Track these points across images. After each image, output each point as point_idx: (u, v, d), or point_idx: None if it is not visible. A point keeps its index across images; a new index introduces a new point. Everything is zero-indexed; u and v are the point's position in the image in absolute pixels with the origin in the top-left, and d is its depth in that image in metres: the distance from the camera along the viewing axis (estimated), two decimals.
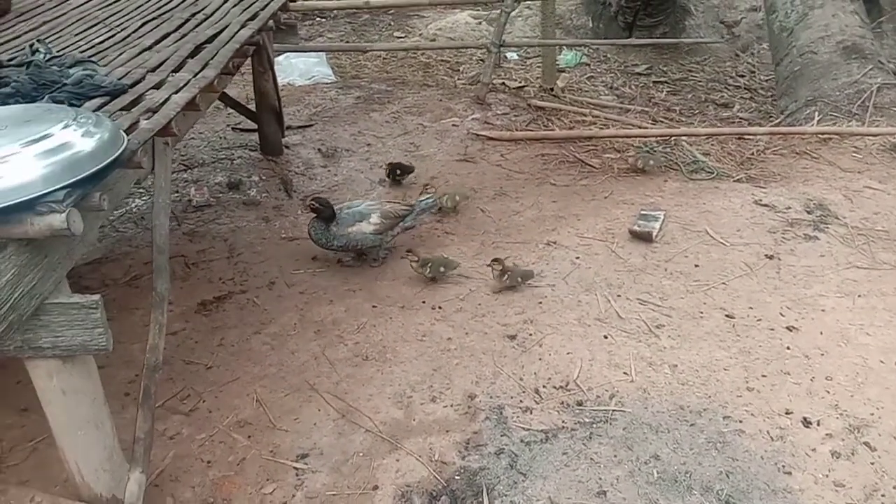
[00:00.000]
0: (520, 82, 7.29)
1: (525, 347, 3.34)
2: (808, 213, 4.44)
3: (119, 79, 2.93)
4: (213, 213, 4.67)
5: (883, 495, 2.56)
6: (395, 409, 3.00)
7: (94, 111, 2.56)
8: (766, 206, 4.58)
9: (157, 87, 2.91)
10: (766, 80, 7.80)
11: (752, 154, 5.45)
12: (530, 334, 3.43)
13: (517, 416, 2.93)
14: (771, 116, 6.74)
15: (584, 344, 3.35)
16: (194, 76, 3.01)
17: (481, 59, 7.41)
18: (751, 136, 5.74)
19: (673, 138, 5.65)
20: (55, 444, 2.33)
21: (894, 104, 5.85)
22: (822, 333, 3.38)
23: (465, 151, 5.54)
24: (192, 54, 3.35)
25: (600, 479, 2.64)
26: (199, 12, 4.02)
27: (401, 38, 9.23)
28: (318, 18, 9.79)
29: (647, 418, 2.90)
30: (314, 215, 3.91)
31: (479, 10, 9.28)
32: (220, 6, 4.15)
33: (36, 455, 2.82)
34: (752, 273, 3.88)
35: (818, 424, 2.86)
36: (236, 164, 5.36)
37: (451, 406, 3.00)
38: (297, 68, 7.50)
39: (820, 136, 5.56)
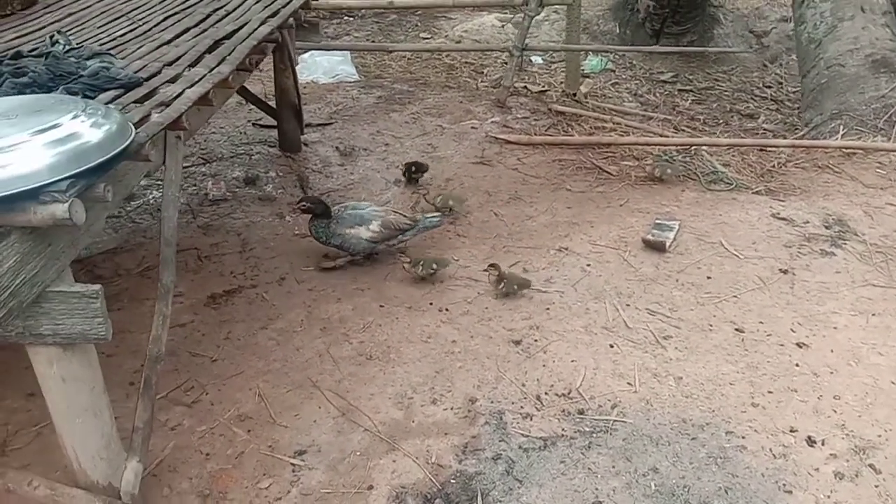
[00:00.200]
0: (542, 86, 7.26)
1: (529, 353, 3.32)
2: (827, 228, 4.37)
3: (135, 72, 2.97)
4: (228, 208, 4.71)
5: None
6: (395, 409, 3.00)
7: (106, 103, 2.60)
8: (783, 219, 4.52)
9: (173, 81, 2.94)
10: (794, 92, 7.69)
11: (773, 166, 5.38)
12: (535, 340, 3.41)
13: (517, 422, 2.92)
14: (797, 129, 6.64)
15: (589, 352, 3.33)
16: (210, 71, 3.04)
17: (505, 63, 7.40)
18: (773, 148, 5.67)
19: (693, 148, 5.60)
20: None
21: None
22: (832, 351, 3.33)
23: (482, 154, 5.53)
24: (210, 50, 3.38)
25: (597, 489, 2.62)
26: (220, 8, 4.07)
27: (426, 39, 9.24)
28: (345, 17, 9.84)
29: (648, 430, 2.88)
30: (309, 215, 3.93)
31: (506, 12, 9.27)
32: (242, 3, 4.20)
33: (40, 440, 2.86)
34: (764, 287, 3.83)
35: (823, 444, 2.81)
36: (254, 159, 5.40)
37: (452, 409, 3.00)
38: (321, 66, 7.53)
39: (844, 150, 5.47)
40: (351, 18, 9.83)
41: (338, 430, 2.90)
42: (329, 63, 7.55)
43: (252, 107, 5.86)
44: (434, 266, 3.81)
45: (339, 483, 2.66)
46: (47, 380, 2.16)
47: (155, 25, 3.76)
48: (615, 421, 2.92)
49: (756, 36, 8.90)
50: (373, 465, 2.73)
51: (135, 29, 3.68)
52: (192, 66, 3.14)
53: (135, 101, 2.67)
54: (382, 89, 7.02)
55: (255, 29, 3.70)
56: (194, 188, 4.95)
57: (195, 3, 4.17)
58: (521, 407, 3.01)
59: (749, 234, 4.36)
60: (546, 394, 3.08)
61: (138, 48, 3.36)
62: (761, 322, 3.55)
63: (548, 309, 3.65)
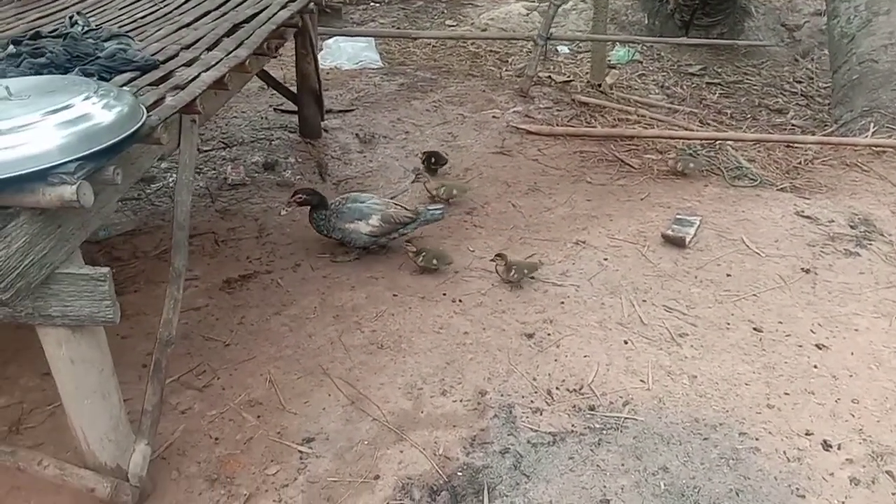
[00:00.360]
0: (567, 76, 7.18)
1: (542, 347, 3.29)
2: (852, 227, 4.28)
3: (153, 54, 2.97)
4: (246, 192, 4.71)
5: None
6: (404, 399, 2.99)
7: (122, 85, 2.60)
8: (807, 217, 4.43)
9: (189, 64, 2.94)
10: (825, 88, 7.53)
11: (800, 163, 5.27)
12: (548, 334, 3.38)
13: (526, 417, 2.89)
14: (826, 125, 6.50)
15: (602, 348, 3.28)
16: (226, 55, 3.03)
17: (530, 52, 7.32)
18: (800, 145, 5.55)
19: (718, 142, 5.50)
20: None
21: None
22: (852, 354, 3.25)
23: (502, 144, 5.48)
24: (229, 33, 3.38)
25: (605, 486, 2.59)
26: None
27: (452, 26, 9.18)
28: (372, 3, 9.80)
29: (660, 428, 2.83)
30: (308, 207, 3.91)
31: (533, 1, 9.17)
32: None
33: (53, 419, 2.89)
34: (785, 286, 3.75)
35: (839, 448, 2.75)
36: (274, 144, 5.40)
37: (461, 401, 2.97)
38: (345, 52, 7.51)
39: (873, 148, 5.35)
40: (377, 4, 9.79)
41: (346, 419, 2.89)
42: (353, 49, 7.53)
43: (274, 92, 5.86)
44: (435, 261, 3.79)
45: (346, 472, 2.65)
46: (56, 361, 2.17)
47: (175, 8, 3.76)
48: (626, 418, 2.88)
49: (788, 29, 8.72)
50: (380, 455, 2.72)
51: (155, 11, 3.68)
52: (209, 49, 3.13)
53: (150, 84, 2.67)
54: (405, 76, 6.98)
55: (275, 13, 3.68)
56: (214, 172, 4.97)
57: None
58: (532, 401, 2.98)
59: (772, 231, 4.27)
60: (557, 389, 3.04)
61: (157, 31, 3.36)
62: (780, 322, 3.48)
63: (562, 303, 3.61)
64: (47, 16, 3.58)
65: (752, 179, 4.99)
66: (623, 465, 2.67)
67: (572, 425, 2.85)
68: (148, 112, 2.32)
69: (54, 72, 2.61)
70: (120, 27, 3.37)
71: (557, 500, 2.54)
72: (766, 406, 2.96)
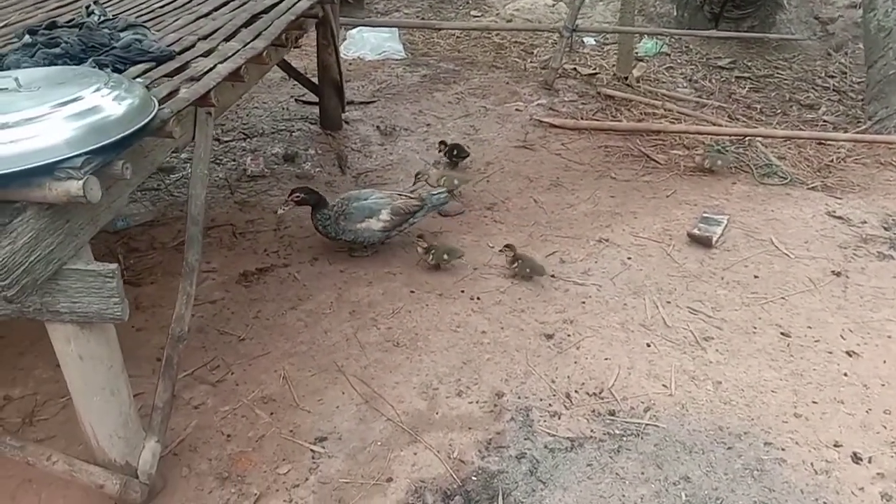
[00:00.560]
0: (592, 69, 7.05)
1: (561, 348, 3.21)
2: (886, 229, 4.13)
3: (169, 45, 2.93)
4: (266, 184, 4.67)
5: None
6: (419, 399, 2.93)
7: (136, 76, 2.56)
8: (839, 218, 4.29)
9: (206, 55, 2.89)
10: (858, 83, 7.31)
11: (832, 161, 5.12)
12: (568, 335, 3.29)
13: (544, 420, 2.82)
14: (859, 121, 6.31)
15: (624, 350, 3.20)
16: (244, 46, 2.98)
17: (555, 43, 7.20)
18: (832, 142, 5.39)
19: (747, 138, 5.36)
20: None
21: None
22: (885, 362, 3.13)
23: (525, 138, 5.39)
24: (247, 24, 3.32)
25: (624, 496, 2.51)
26: None
27: (477, 17, 9.06)
28: None
29: (682, 436, 2.75)
30: (306, 207, 3.82)
31: None
32: None
33: (66, 411, 2.86)
34: (815, 289, 3.64)
35: (869, 462, 2.65)
36: (295, 136, 5.36)
37: (477, 402, 2.91)
38: (368, 42, 7.45)
39: None
40: None
41: (360, 418, 2.83)
42: (376, 40, 7.46)
43: (296, 82, 5.81)
44: (446, 256, 3.72)
45: (358, 473, 2.60)
46: (65, 357, 2.14)
47: None
48: (647, 425, 2.79)
49: (821, 23, 8.49)
50: (393, 457, 2.66)
51: (173, 1, 3.63)
52: (227, 40, 3.08)
53: (165, 75, 2.62)
54: (428, 68, 6.90)
55: (295, 3, 3.62)
56: (233, 163, 4.93)
57: None
58: (550, 404, 2.90)
59: (802, 232, 4.15)
60: (576, 392, 2.96)
61: (175, 21, 3.31)
62: (809, 327, 3.37)
63: (583, 302, 3.53)
64: (66, 5, 3.55)
65: (781, 177, 4.85)
66: (643, 473, 2.59)
67: (591, 430, 2.77)
68: (161, 104, 2.28)
69: (69, 62, 2.57)
70: (137, 17, 3.33)
71: None
72: (794, 415, 2.86)
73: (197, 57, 2.82)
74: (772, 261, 3.88)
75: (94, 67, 2.48)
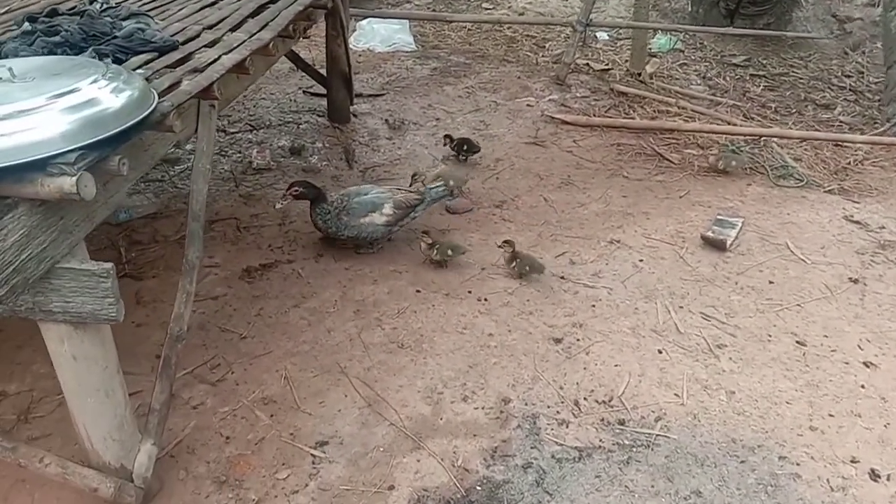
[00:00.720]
0: (605, 64, 6.94)
1: (570, 353, 3.13)
2: None
3: (173, 34, 2.85)
4: (271, 177, 4.59)
5: None
6: (423, 404, 2.85)
7: (138, 67, 2.48)
8: (856, 223, 4.19)
9: (210, 45, 2.81)
10: (876, 83, 7.18)
11: (849, 164, 5.01)
12: (578, 339, 3.21)
13: (551, 429, 2.74)
14: (876, 123, 6.19)
15: (635, 357, 3.11)
16: (249, 37, 2.89)
17: (568, 37, 7.08)
18: (849, 144, 5.28)
19: (763, 139, 5.25)
20: None
21: None
22: None
23: (536, 134, 5.29)
24: (254, 14, 3.24)
25: None
26: None
27: (489, 9, 8.94)
28: None
29: (694, 448, 2.66)
30: (305, 201, 3.73)
31: None
32: None
33: (62, 409, 2.76)
34: (831, 297, 3.54)
35: (888, 479, 2.56)
36: (302, 128, 5.27)
37: (483, 408, 2.83)
38: (378, 34, 7.34)
39: None
40: None
41: (362, 422, 2.76)
42: (386, 31, 7.36)
43: (304, 74, 5.72)
44: (449, 252, 3.65)
45: (360, 480, 2.53)
46: (58, 357, 2.07)
47: None
48: (658, 435, 2.71)
49: (839, 21, 8.34)
50: (395, 464, 2.59)
51: None
52: (232, 30, 3.00)
53: (167, 66, 2.55)
54: (438, 60, 6.80)
55: None
56: (239, 155, 4.86)
57: None
58: (557, 412, 2.82)
59: (818, 236, 4.05)
60: (585, 399, 2.88)
61: (180, 9, 3.23)
62: (826, 336, 3.28)
63: (593, 306, 3.44)
64: None
65: (797, 179, 4.75)
66: (653, 486, 2.51)
67: (600, 440, 2.69)
68: (161, 97, 2.20)
69: (68, 51, 2.49)
70: (141, 5, 3.25)
71: None
72: (809, 428, 2.77)
73: (201, 48, 2.74)
74: (787, 266, 3.78)
75: (94, 57, 2.41)
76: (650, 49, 7.30)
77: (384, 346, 3.16)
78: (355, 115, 5.45)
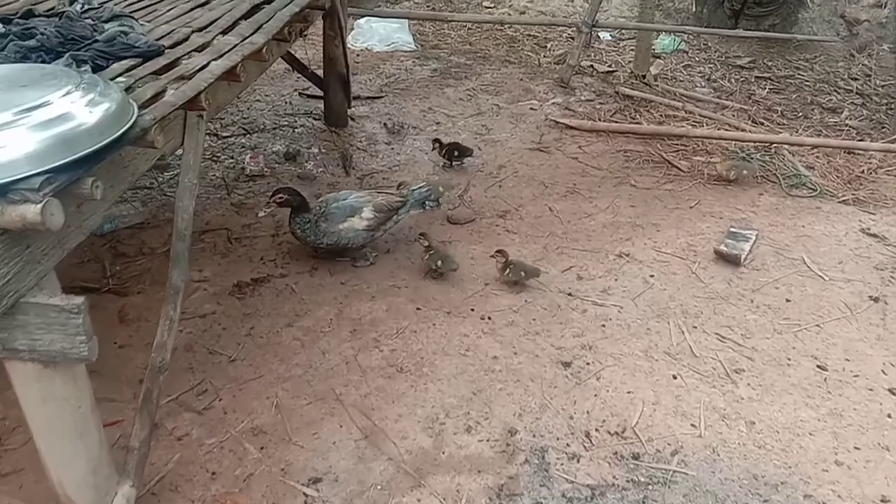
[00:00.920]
0: (609, 66, 6.76)
1: (580, 379, 2.95)
2: None
3: (160, 38, 2.66)
4: (265, 185, 4.40)
5: None
6: (424, 435, 2.67)
7: (120, 74, 2.29)
8: (874, 236, 4.03)
9: (200, 50, 2.62)
10: (883, 86, 7.02)
11: (863, 172, 4.84)
12: (587, 363, 3.04)
13: (561, 464, 2.56)
14: (884, 127, 6.02)
15: (648, 383, 2.94)
16: (241, 41, 2.70)
17: (571, 38, 6.91)
18: (862, 151, 5.11)
19: (774, 145, 5.08)
20: None
21: None
22: None
23: (539, 139, 5.11)
24: (247, 15, 3.05)
25: None
26: None
27: (489, 8, 8.75)
28: None
29: (713, 486, 2.49)
30: (288, 209, 3.55)
31: None
32: None
33: None
34: (852, 316, 3.37)
35: None
36: (297, 132, 5.08)
37: (488, 441, 2.65)
38: (377, 33, 7.16)
39: None
40: None
41: (359, 457, 2.58)
42: (385, 30, 7.17)
43: (300, 75, 5.53)
44: (440, 262, 3.50)
45: None
46: (26, 398, 1.88)
47: None
48: (675, 471, 2.54)
49: (847, 22, 8.17)
50: None
51: None
52: (224, 33, 2.82)
53: (152, 73, 2.36)
54: (438, 61, 6.62)
55: None
56: (231, 161, 4.67)
57: None
58: (568, 444, 2.64)
59: (835, 251, 3.88)
60: (597, 430, 2.71)
61: (169, 10, 3.05)
62: (847, 359, 3.11)
63: (603, 325, 3.27)
64: None
65: (811, 189, 4.58)
66: None
67: (613, 477, 2.52)
68: (143, 109, 2.01)
69: (44, 56, 2.30)
70: (129, 6, 3.06)
71: None
72: (834, 463, 2.60)
73: (189, 52, 2.56)
74: (804, 283, 3.61)
75: (71, 63, 2.22)
76: (654, 49, 7.12)
77: (382, 370, 2.98)
78: (353, 119, 5.26)
